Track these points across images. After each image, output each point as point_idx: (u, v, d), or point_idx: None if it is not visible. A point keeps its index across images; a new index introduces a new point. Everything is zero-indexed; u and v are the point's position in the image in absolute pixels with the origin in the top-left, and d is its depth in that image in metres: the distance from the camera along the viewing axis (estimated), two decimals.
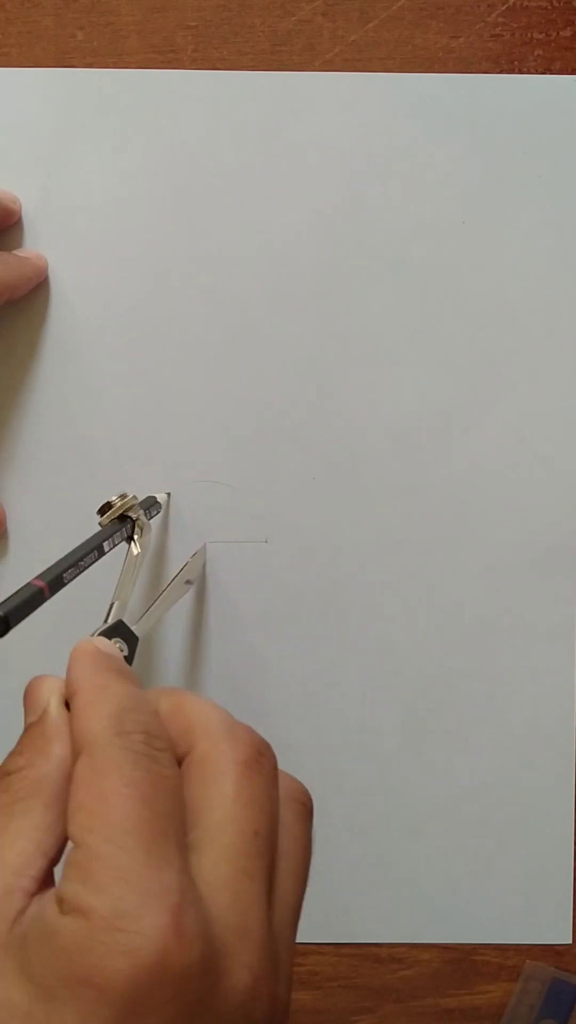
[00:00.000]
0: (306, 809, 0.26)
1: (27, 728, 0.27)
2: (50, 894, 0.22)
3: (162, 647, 0.38)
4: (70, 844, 0.23)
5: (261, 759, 0.24)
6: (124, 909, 0.21)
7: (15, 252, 0.37)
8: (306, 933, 0.33)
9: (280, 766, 0.25)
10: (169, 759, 0.24)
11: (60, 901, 0.22)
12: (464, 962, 0.39)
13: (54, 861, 0.23)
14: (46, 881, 0.23)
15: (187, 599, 0.38)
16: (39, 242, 0.37)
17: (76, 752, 0.24)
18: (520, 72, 0.38)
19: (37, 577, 0.30)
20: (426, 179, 0.37)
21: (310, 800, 0.26)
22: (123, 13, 0.37)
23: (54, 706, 0.26)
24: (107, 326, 0.37)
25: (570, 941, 0.39)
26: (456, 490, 0.38)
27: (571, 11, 0.38)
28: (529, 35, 0.38)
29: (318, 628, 0.38)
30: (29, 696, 0.28)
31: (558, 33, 0.38)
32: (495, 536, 0.38)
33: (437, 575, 0.38)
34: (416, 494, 0.38)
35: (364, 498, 0.38)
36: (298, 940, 0.24)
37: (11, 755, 0.25)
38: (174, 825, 0.22)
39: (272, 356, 0.38)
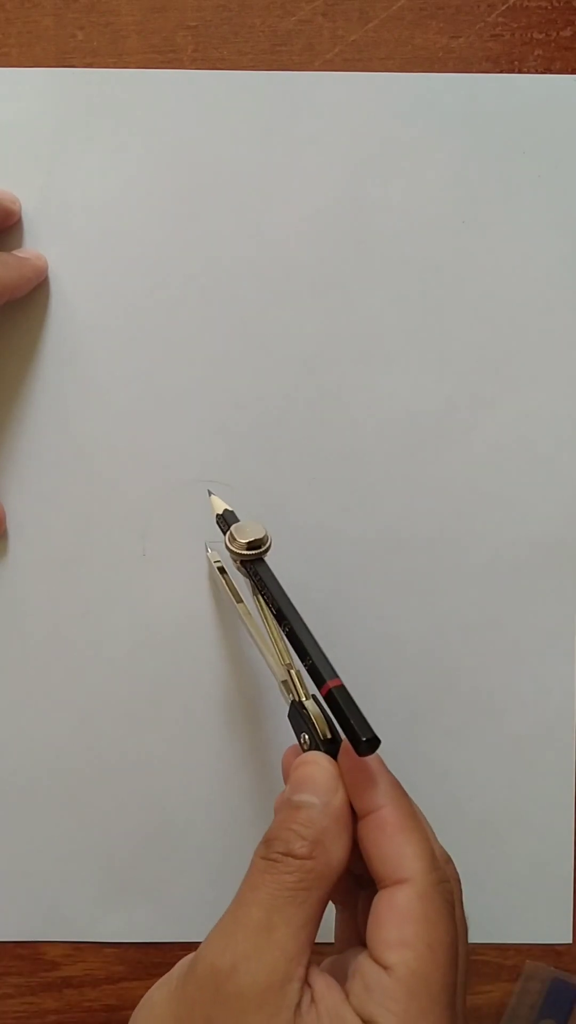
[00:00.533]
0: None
1: (307, 810, 0.27)
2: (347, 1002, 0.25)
3: (163, 645, 0.38)
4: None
5: (453, 899, 0.27)
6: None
7: (15, 252, 0.37)
8: None
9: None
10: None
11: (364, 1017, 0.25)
12: None
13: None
14: (311, 973, 0.26)
15: (189, 599, 0.38)
16: (39, 242, 0.37)
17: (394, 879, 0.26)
18: (520, 72, 0.38)
19: (329, 680, 0.29)
20: (426, 179, 0.37)
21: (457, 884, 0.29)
22: (123, 13, 0.37)
23: (341, 800, 0.27)
24: (107, 326, 0.37)
25: (570, 941, 0.39)
26: (456, 489, 0.38)
27: (571, 11, 0.38)
28: (529, 35, 0.38)
29: (318, 628, 0.38)
30: (308, 774, 0.28)
31: (558, 33, 0.38)
32: (495, 535, 0.38)
33: (437, 574, 0.38)
34: (416, 493, 0.38)
35: (364, 497, 0.38)
36: None
37: (292, 833, 0.27)
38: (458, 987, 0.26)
39: (272, 355, 0.38)
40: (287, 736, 0.35)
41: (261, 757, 0.38)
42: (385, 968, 0.25)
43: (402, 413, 0.38)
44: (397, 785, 0.28)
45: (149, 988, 0.39)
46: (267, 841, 0.26)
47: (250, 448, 0.38)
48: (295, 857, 0.26)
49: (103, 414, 0.38)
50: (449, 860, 0.29)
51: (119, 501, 0.38)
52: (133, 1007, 0.39)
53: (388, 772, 0.29)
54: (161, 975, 0.39)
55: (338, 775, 0.28)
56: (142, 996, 0.39)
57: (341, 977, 0.26)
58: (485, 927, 0.38)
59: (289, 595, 0.36)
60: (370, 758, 0.28)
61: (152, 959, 0.38)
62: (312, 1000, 0.25)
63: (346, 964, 0.27)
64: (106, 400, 0.38)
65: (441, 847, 0.29)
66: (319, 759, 0.28)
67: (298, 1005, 0.25)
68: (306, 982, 0.25)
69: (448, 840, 0.34)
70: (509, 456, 0.38)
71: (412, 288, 0.38)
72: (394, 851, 0.27)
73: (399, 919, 0.26)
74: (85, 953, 0.38)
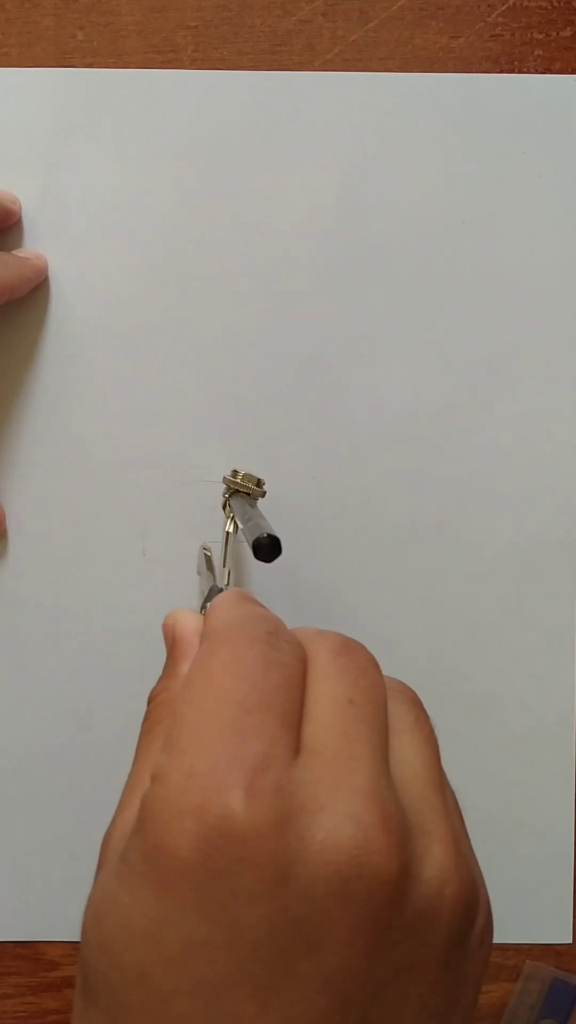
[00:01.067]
0: (410, 698, 0.25)
1: (167, 657, 0.27)
2: None
3: (163, 645, 0.38)
4: None
5: (350, 646, 0.24)
6: (195, 770, 0.20)
7: (14, 252, 0.37)
8: None
9: None
10: (293, 652, 0.23)
11: (151, 776, 0.21)
12: None
13: None
14: None
15: (190, 599, 0.38)
16: (39, 242, 0.37)
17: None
18: (520, 72, 0.38)
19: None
20: (426, 178, 0.37)
21: (413, 692, 0.26)
22: (123, 13, 0.37)
23: (187, 629, 0.26)
24: (107, 325, 0.37)
25: (570, 941, 0.39)
26: (457, 488, 0.38)
27: (571, 11, 0.38)
28: (529, 35, 0.38)
29: (320, 626, 0.38)
30: (166, 629, 0.27)
31: (558, 33, 0.38)
32: (496, 534, 0.38)
33: (437, 573, 0.38)
34: (416, 492, 0.38)
35: (364, 496, 0.38)
36: None
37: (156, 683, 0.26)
38: (280, 704, 0.21)
39: (272, 355, 0.38)
40: None
41: None
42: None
43: (403, 412, 0.38)
44: None
45: None
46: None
47: (251, 448, 0.38)
48: (149, 700, 0.26)
49: (103, 414, 0.38)
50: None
51: (119, 501, 0.38)
52: None
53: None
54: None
55: (186, 615, 0.27)
56: None
57: None
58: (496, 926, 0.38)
59: (289, 593, 0.36)
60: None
61: None
62: None
63: None
64: (106, 400, 0.38)
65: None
66: (173, 611, 0.28)
67: None
68: None
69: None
70: (509, 455, 0.38)
71: (412, 287, 0.38)
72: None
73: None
74: None
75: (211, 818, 0.19)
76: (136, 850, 0.20)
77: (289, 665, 0.22)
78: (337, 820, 0.20)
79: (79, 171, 0.37)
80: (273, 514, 0.37)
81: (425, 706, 0.34)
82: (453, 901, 0.21)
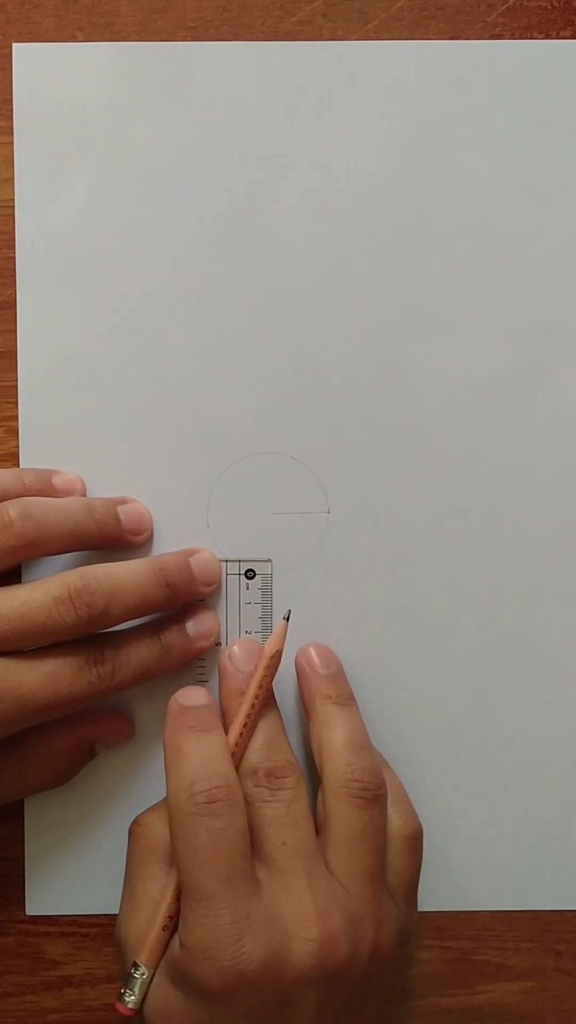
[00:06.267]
0: (414, 842, 0.35)
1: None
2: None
3: (228, 618, 0.38)
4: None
5: (373, 800, 0.33)
6: (207, 946, 0.30)
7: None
8: None
9: None
10: (226, 808, 0.32)
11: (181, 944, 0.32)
12: (464, 962, 0.39)
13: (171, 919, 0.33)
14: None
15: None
16: (100, 215, 0.37)
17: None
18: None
19: None
20: (483, 145, 0.37)
21: (418, 832, 0.36)
22: (123, 14, 0.37)
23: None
24: (168, 298, 0.37)
25: None
26: (520, 456, 0.38)
27: (571, 11, 0.38)
28: (529, 35, 0.38)
29: (382, 597, 0.38)
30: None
31: (558, 33, 0.38)
32: (560, 501, 0.38)
33: (502, 542, 0.38)
34: (479, 461, 0.38)
35: (427, 466, 0.38)
36: None
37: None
38: (239, 866, 0.31)
39: (332, 326, 0.38)
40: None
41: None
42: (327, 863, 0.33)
43: (464, 381, 0.38)
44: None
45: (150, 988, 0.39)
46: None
47: (311, 419, 0.38)
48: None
49: (165, 388, 0.38)
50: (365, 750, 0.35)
51: (182, 475, 0.38)
52: None
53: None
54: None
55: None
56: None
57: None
58: (559, 893, 0.39)
59: (352, 565, 0.38)
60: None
61: None
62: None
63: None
64: (168, 373, 0.38)
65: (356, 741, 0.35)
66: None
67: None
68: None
69: (517, 808, 0.35)
70: (573, 422, 0.38)
71: (472, 255, 0.38)
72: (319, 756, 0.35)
73: (321, 821, 0.34)
74: (85, 952, 0.39)
75: (224, 978, 0.31)
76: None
77: (226, 829, 0.32)
78: (302, 946, 0.31)
79: (136, 145, 0.37)
80: (334, 486, 0.38)
81: (491, 675, 0.39)
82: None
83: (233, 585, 0.38)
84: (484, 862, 0.39)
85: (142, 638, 0.35)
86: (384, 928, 0.32)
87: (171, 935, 0.32)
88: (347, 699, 0.36)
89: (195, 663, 0.38)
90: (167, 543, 0.38)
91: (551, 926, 0.39)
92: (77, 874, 0.38)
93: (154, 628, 0.36)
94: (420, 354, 0.38)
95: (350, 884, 0.32)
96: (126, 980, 0.32)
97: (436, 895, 0.39)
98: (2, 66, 0.37)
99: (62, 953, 0.39)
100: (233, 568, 0.38)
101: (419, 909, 0.36)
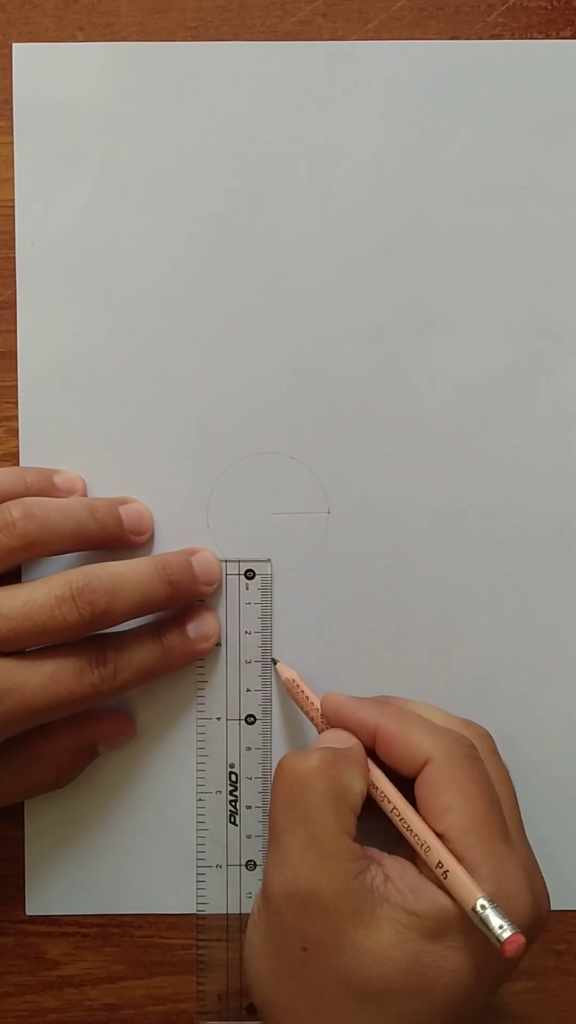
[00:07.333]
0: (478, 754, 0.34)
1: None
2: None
3: (228, 618, 0.38)
4: None
5: (474, 754, 0.33)
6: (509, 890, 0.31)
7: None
8: None
9: None
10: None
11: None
12: None
13: None
14: (382, 859, 0.32)
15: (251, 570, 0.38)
16: (101, 214, 0.37)
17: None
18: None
19: None
20: (483, 145, 0.37)
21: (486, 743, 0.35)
22: (123, 14, 0.37)
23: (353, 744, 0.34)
24: (168, 297, 0.37)
25: None
26: (519, 456, 0.38)
27: (571, 11, 0.38)
28: (529, 35, 0.38)
29: (382, 597, 0.38)
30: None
31: (558, 33, 0.38)
32: (560, 501, 0.38)
33: (502, 542, 0.38)
34: (479, 461, 0.38)
35: (426, 466, 0.38)
36: None
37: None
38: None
39: (333, 325, 0.38)
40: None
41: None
42: (440, 837, 0.31)
43: (464, 380, 0.38)
44: (376, 702, 0.34)
45: (150, 987, 0.39)
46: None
47: (311, 418, 0.38)
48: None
49: (165, 388, 0.38)
50: (468, 724, 0.35)
51: (182, 475, 0.38)
52: (133, 1006, 0.39)
53: (362, 700, 0.34)
54: (162, 974, 0.39)
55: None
56: (142, 995, 0.39)
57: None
58: (561, 893, 0.38)
59: (352, 565, 0.38)
60: (338, 699, 0.34)
61: (152, 958, 0.38)
62: (388, 878, 0.31)
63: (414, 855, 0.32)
64: (168, 373, 0.38)
65: (453, 717, 0.35)
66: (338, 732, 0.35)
67: (374, 889, 0.30)
68: (380, 866, 0.31)
69: (522, 803, 0.35)
70: (571, 421, 0.38)
71: (472, 255, 0.38)
72: (404, 747, 0.32)
73: (434, 793, 0.31)
74: (85, 952, 0.39)
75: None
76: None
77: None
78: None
79: (137, 144, 0.37)
80: (334, 486, 0.38)
81: (492, 674, 0.40)
82: None
83: (233, 585, 0.38)
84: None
85: (144, 639, 0.35)
86: None
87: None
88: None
89: (195, 664, 0.38)
90: (167, 543, 0.38)
91: (551, 926, 0.39)
92: (77, 874, 0.38)
93: (155, 629, 0.36)
94: (420, 354, 0.38)
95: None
96: (486, 920, 0.29)
97: None
98: (2, 66, 0.37)
99: (62, 953, 0.39)
100: (233, 568, 0.38)
101: None
